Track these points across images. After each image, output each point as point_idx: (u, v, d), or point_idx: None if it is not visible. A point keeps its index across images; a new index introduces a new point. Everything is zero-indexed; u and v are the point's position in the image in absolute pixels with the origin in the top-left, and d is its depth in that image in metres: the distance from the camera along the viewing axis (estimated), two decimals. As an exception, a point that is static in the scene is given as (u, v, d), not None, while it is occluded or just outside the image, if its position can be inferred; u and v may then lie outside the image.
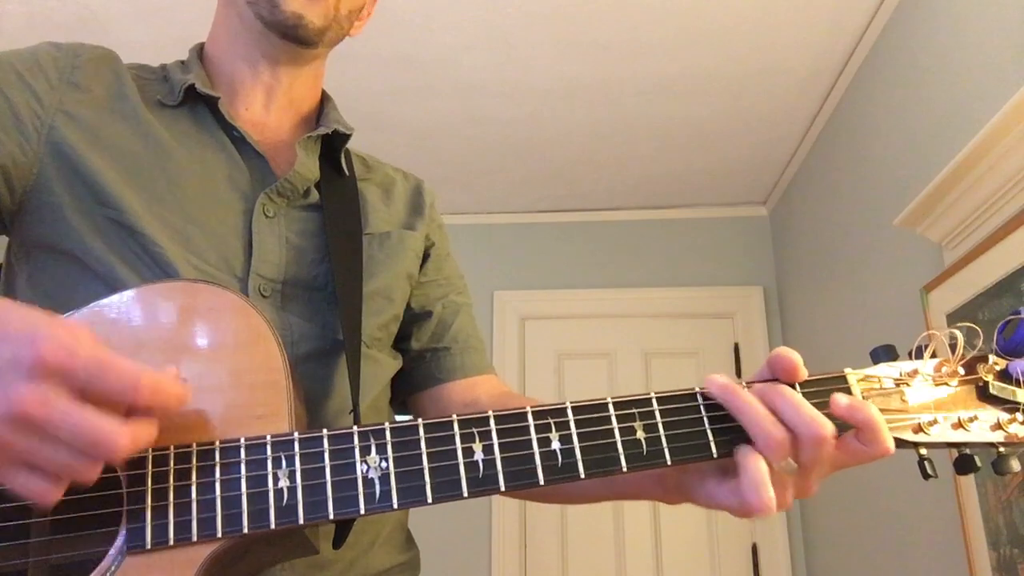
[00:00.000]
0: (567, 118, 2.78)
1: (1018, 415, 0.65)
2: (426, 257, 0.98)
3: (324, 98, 0.98)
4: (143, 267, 0.75)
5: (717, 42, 2.37)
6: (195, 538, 0.57)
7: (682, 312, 3.33)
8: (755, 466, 0.59)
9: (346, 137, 0.93)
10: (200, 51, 0.93)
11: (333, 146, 0.92)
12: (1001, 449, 0.64)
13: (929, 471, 0.64)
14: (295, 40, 0.85)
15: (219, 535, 0.58)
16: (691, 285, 3.35)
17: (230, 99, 0.89)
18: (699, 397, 0.63)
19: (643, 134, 2.88)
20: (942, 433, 0.64)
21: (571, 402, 0.62)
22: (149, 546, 0.57)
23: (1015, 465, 0.63)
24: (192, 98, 0.86)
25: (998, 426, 0.64)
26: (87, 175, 0.77)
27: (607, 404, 0.62)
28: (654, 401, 0.62)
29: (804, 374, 0.63)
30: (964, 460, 0.65)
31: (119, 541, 0.58)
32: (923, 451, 0.65)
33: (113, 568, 0.57)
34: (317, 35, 0.85)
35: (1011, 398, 0.65)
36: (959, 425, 0.64)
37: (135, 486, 0.58)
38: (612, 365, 3.28)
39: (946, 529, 1.89)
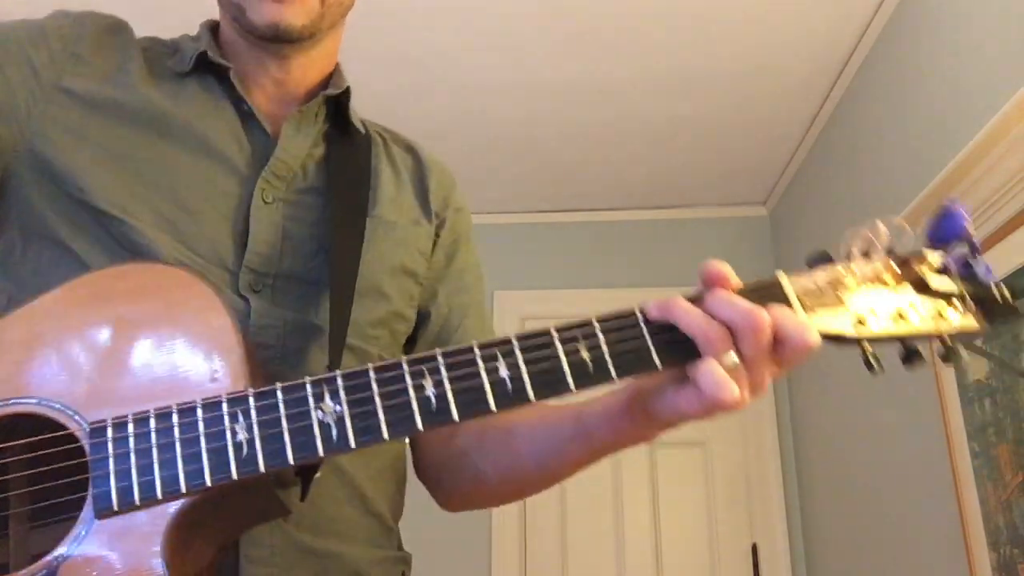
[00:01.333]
0: (567, 118, 2.77)
1: (955, 302, 0.66)
2: (434, 247, 0.93)
3: (336, 68, 0.92)
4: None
5: (717, 42, 2.37)
6: (160, 495, 0.58)
7: (682, 312, 3.33)
8: (707, 367, 0.61)
9: (348, 99, 0.88)
10: (213, 27, 0.89)
11: (341, 109, 0.88)
12: (946, 340, 0.66)
13: (874, 365, 0.64)
14: (282, 42, 0.82)
15: (183, 491, 0.58)
16: (691, 285, 3.34)
17: (242, 84, 0.85)
18: (639, 315, 0.64)
19: (643, 134, 2.88)
20: (883, 327, 0.65)
21: (515, 334, 0.63)
22: (117, 508, 0.58)
23: (963, 354, 0.65)
24: (203, 68, 0.83)
25: (939, 316, 0.66)
26: (77, 164, 0.75)
27: (550, 331, 0.63)
28: (595, 323, 0.64)
29: (736, 282, 0.66)
30: (910, 353, 0.66)
31: (87, 507, 0.59)
32: (867, 346, 0.65)
33: (83, 533, 0.58)
34: (302, 32, 0.81)
35: (948, 289, 0.66)
36: (900, 317, 0.65)
37: (98, 455, 0.60)
38: (612, 365, 3.28)
39: (946, 529, 1.89)
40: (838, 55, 2.43)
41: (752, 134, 2.88)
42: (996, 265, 1.62)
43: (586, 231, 3.45)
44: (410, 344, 0.92)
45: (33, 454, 0.62)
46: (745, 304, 0.62)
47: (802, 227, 3.05)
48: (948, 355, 0.65)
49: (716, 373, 0.60)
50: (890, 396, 2.22)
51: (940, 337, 0.66)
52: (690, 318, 0.63)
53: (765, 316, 0.61)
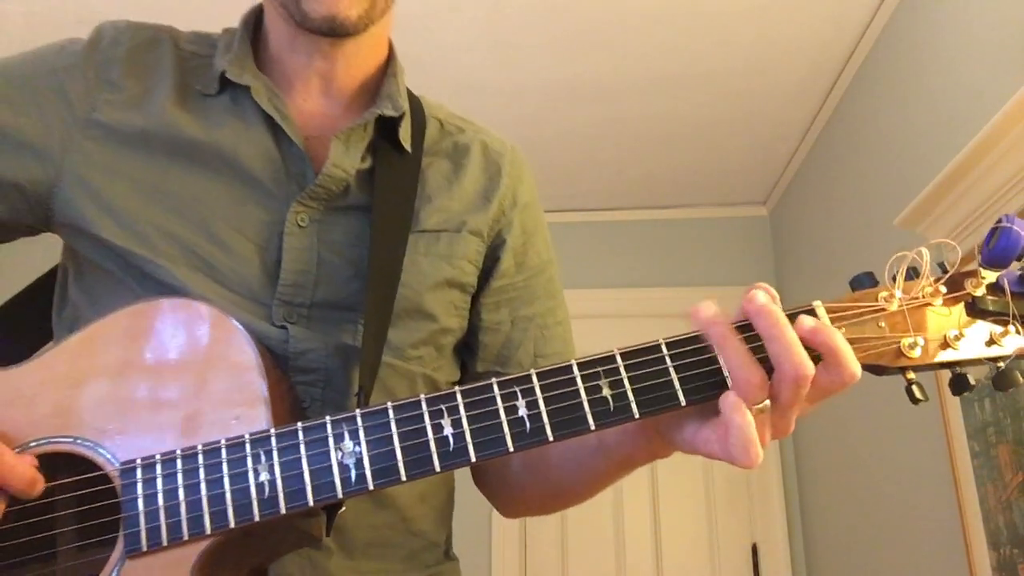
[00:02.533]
0: (567, 118, 2.78)
1: (1010, 327, 0.61)
2: (496, 258, 0.87)
3: (390, 60, 0.88)
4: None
5: (717, 42, 2.37)
6: (186, 537, 0.61)
7: (682, 312, 3.31)
8: (743, 422, 0.58)
9: (400, 122, 0.84)
10: (255, 21, 0.86)
11: (392, 123, 0.83)
12: (1000, 364, 0.61)
13: (918, 395, 0.61)
14: (337, 35, 0.78)
15: (208, 532, 0.61)
16: (691, 285, 3.35)
17: (287, 89, 0.83)
18: (663, 348, 0.63)
19: (643, 134, 2.88)
20: (928, 355, 0.61)
21: (535, 370, 0.63)
22: (145, 548, 0.61)
23: (1019, 378, 0.61)
24: (232, 84, 0.81)
25: (992, 341, 0.62)
26: (109, 205, 0.76)
27: (571, 366, 0.63)
28: (618, 358, 0.63)
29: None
30: (958, 380, 0.62)
31: (119, 546, 0.61)
32: (911, 375, 0.61)
33: (114, 573, 0.61)
34: (358, 23, 0.77)
35: (1003, 310, 0.62)
36: (946, 345, 0.61)
37: (128, 494, 0.62)
38: (612, 365, 3.28)
39: (946, 529, 1.89)
40: (838, 55, 2.43)
41: (752, 134, 2.88)
42: (996, 265, 1.62)
43: (586, 231, 3.46)
44: (471, 357, 0.89)
45: (70, 494, 0.65)
46: (802, 353, 0.58)
47: (802, 227, 3.05)
48: (1001, 381, 0.61)
49: (746, 433, 0.57)
50: (890, 396, 2.21)
51: (992, 362, 0.62)
52: (737, 356, 0.59)
53: (811, 368, 0.58)
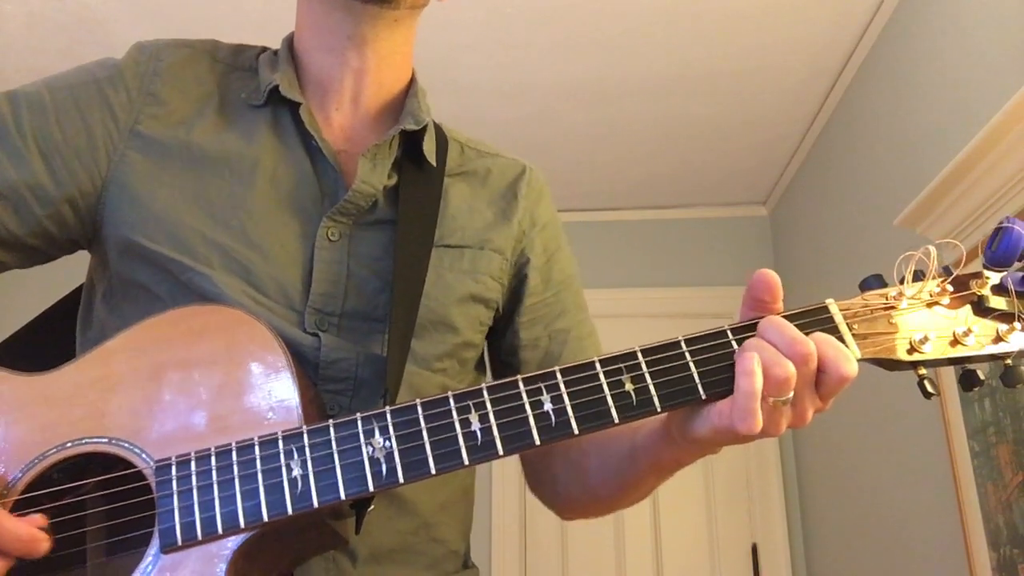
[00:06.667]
0: (567, 118, 2.78)
1: (1016, 324, 0.64)
2: (523, 277, 0.91)
3: (412, 81, 0.91)
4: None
5: (717, 42, 2.37)
6: (220, 531, 0.62)
7: (682, 312, 3.33)
8: (750, 387, 0.61)
9: (423, 130, 0.86)
10: (291, 45, 0.88)
11: (415, 139, 0.86)
12: (1008, 361, 0.64)
13: (930, 389, 0.64)
14: (377, 1, 0.80)
15: (242, 526, 0.62)
16: (691, 285, 3.35)
17: (320, 99, 0.85)
18: (682, 344, 0.65)
19: (643, 134, 2.88)
20: (938, 350, 0.64)
21: (559, 367, 0.65)
22: (180, 543, 0.62)
23: None
24: (276, 99, 0.83)
25: (998, 338, 0.64)
26: (151, 212, 0.77)
27: (594, 363, 0.65)
28: (639, 354, 0.66)
29: (781, 297, 0.66)
30: (967, 375, 0.65)
31: (154, 542, 0.63)
32: (922, 371, 0.64)
33: (150, 567, 0.62)
34: None
35: (1008, 309, 0.65)
36: (955, 342, 0.64)
37: (163, 491, 0.63)
38: (612, 365, 3.28)
39: (946, 529, 1.89)
40: (838, 55, 2.43)
41: (752, 134, 2.88)
42: (996, 265, 1.62)
43: (586, 231, 3.45)
44: (513, 375, 0.90)
45: (105, 492, 0.66)
46: (793, 333, 0.62)
47: (802, 227, 3.05)
48: (1009, 377, 0.64)
49: (751, 401, 0.60)
50: (889, 396, 2.22)
51: (1000, 359, 0.64)
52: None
53: (812, 348, 0.61)
